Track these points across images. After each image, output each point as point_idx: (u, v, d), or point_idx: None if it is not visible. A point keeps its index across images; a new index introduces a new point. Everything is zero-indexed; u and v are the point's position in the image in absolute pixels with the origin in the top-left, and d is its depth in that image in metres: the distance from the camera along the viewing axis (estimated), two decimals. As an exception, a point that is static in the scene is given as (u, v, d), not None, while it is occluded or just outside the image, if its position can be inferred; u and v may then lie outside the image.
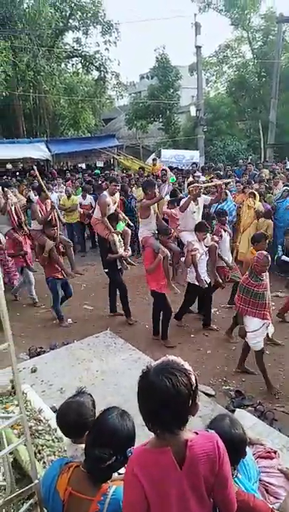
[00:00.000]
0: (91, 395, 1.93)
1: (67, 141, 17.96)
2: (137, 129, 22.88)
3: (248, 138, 20.15)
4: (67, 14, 18.85)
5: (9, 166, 15.25)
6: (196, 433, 1.38)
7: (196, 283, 5.40)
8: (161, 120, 21.43)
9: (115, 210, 5.98)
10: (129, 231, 6.19)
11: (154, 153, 18.98)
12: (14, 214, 6.52)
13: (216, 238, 5.70)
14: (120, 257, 5.83)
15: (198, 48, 16.71)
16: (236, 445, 1.73)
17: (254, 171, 11.63)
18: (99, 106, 21.58)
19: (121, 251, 5.77)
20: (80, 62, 20.82)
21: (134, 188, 10.16)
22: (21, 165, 16.42)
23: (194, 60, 18.06)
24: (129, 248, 6.07)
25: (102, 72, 20.23)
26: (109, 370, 4.32)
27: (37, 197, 10.01)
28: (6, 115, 18.74)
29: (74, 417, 1.78)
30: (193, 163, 14.45)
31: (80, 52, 20.14)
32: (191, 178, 10.78)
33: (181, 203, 5.69)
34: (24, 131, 18.43)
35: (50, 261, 5.70)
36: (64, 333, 5.69)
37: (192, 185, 5.77)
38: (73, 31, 19.72)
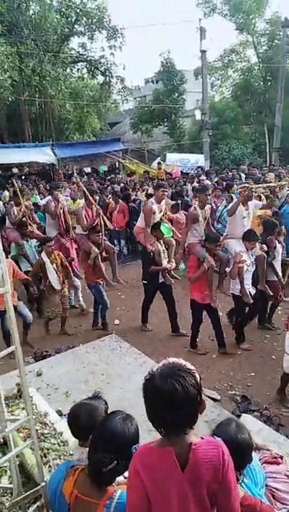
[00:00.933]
0: (105, 402, 1.91)
1: (72, 145, 18.08)
2: (142, 132, 22.98)
3: (254, 142, 20.14)
4: (73, 20, 19.05)
5: (15, 170, 15.38)
6: (202, 438, 1.37)
7: (241, 295, 4.95)
8: (166, 124, 21.50)
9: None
10: (173, 241, 5.78)
11: (159, 157, 19.05)
12: (62, 218, 6.34)
13: (265, 248, 5.14)
14: (164, 270, 5.47)
15: (203, 52, 16.77)
16: (242, 450, 1.72)
17: (258, 174, 11.60)
18: (104, 110, 21.72)
19: (165, 263, 5.43)
20: (86, 67, 21.01)
21: (138, 193, 10.20)
22: (27, 169, 16.55)
23: (199, 64, 18.12)
24: (173, 260, 5.62)
25: (108, 77, 20.38)
26: (115, 374, 4.31)
27: (47, 199, 10.12)
28: (12, 120, 18.92)
29: (85, 418, 1.77)
30: (199, 167, 14.47)
31: (85, 57, 20.32)
32: (195, 183, 10.82)
33: (229, 206, 5.21)
34: (30, 135, 18.59)
35: (93, 267, 5.54)
36: (69, 337, 5.70)
37: (241, 186, 5.28)
38: (79, 36, 19.94)
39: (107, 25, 19.05)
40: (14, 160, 14.70)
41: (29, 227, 6.27)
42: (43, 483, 1.62)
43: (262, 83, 19.72)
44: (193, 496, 1.30)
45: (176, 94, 20.42)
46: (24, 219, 6.27)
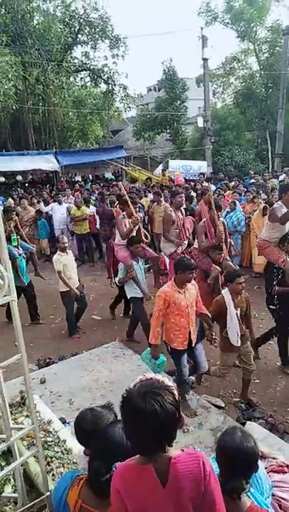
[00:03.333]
0: (115, 414, 1.84)
1: (75, 152, 18.21)
2: (145, 140, 23.11)
3: (256, 148, 20.19)
4: (76, 29, 19.29)
5: (19, 177, 15.50)
6: (182, 450, 1.35)
7: None
8: (168, 131, 21.62)
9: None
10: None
11: (161, 164, 19.13)
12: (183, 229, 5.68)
13: None
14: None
15: (205, 60, 16.92)
16: (248, 458, 1.70)
17: (261, 181, 11.63)
18: (107, 118, 21.87)
19: None
20: (89, 75, 21.22)
21: (142, 199, 10.25)
22: (30, 176, 16.68)
23: (201, 72, 18.28)
24: None
25: (110, 85, 20.56)
26: (118, 381, 4.30)
27: (50, 207, 10.22)
28: (16, 128, 19.10)
29: (89, 424, 1.76)
30: (201, 173, 14.52)
31: (88, 66, 20.53)
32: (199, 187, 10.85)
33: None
34: (33, 143, 18.74)
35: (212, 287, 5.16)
36: (73, 344, 5.69)
37: None
38: (82, 46, 20.18)
39: (110, 35, 19.27)
40: (18, 168, 14.81)
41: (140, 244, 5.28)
42: (48, 493, 1.61)
43: (263, 90, 19.82)
44: (175, 511, 1.28)
45: (179, 102, 20.56)
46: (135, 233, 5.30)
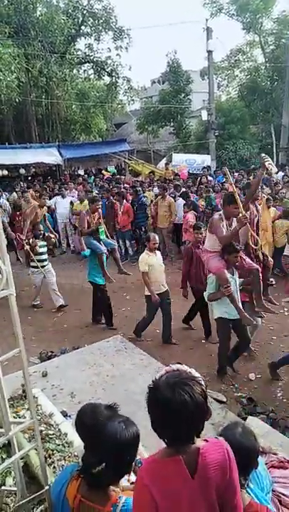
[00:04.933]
0: (118, 413, 1.74)
1: (78, 145, 18.15)
2: (148, 133, 22.96)
3: (260, 142, 20.02)
4: (80, 21, 19.08)
5: (22, 170, 15.46)
6: (206, 440, 1.36)
7: None
8: (172, 124, 21.46)
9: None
10: None
11: (164, 158, 19.01)
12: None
13: None
14: None
15: (209, 52, 16.72)
16: (247, 454, 1.69)
17: (265, 175, 11.52)
18: (110, 111, 21.73)
19: None
20: (92, 67, 21.04)
21: (146, 192, 10.24)
22: (33, 169, 16.64)
23: (205, 64, 18.05)
24: None
25: (114, 78, 20.38)
26: (120, 375, 4.30)
27: (53, 200, 10.20)
28: (19, 121, 19.02)
29: (87, 419, 1.76)
30: (204, 167, 14.38)
31: (91, 58, 20.35)
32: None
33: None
34: (36, 136, 18.66)
35: None
36: (75, 338, 5.71)
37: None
38: (85, 37, 19.96)
39: (114, 26, 19.05)
40: (21, 161, 14.78)
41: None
42: (47, 487, 1.61)
43: (269, 83, 19.58)
44: (204, 501, 1.29)
45: (183, 95, 20.37)
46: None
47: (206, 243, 4.50)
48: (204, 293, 4.59)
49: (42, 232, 6.86)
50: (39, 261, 6.61)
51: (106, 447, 1.45)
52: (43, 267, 6.62)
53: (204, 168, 14.05)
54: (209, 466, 1.29)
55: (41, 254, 6.66)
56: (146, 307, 5.43)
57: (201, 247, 5.14)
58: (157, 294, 5.18)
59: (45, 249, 6.77)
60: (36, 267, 6.61)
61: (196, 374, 1.34)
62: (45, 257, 6.74)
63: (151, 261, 5.18)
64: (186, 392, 1.23)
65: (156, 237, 5.36)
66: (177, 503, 1.28)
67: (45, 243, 6.79)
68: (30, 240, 6.70)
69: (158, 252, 5.41)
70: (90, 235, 5.70)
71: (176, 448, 1.30)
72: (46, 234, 7.02)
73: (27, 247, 6.67)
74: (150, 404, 1.31)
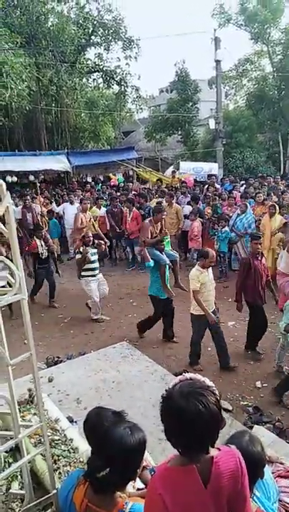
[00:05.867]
0: (124, 419, 1.83)
1: (87, 153, 18.30)
2: (156, 141, 23.11)
3: (268, 150, 20.04)
4: (90, 31, 19.39)
5: (32, 177, 15.62)
6: (218, 449, 1.36)
7: None
8: (180, 133, 21.60)
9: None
10: None
11: (172, 166, 19.08)
12: None
13: None
14: None
15: (217, 62, 16.86)
16: (254, 464, 1.69)
17: (272, 183, 11.55)
18: (119, 119, 21.94)
19: None
20: (101, 76, 21.30)
21: (153, 200, 10.28)
22: (42, 176, 16.80)
23: (213, 73, 18.19)
24: None
25: (123, 87, 20.61)
26: (125, 382, 4.31)
27: (62, 207, 10.30)
28: (28, 128, 19.27)
29: (92, 424, 1.77)
30: (211, 175, 14.37)
31: (101, 67, 20.62)
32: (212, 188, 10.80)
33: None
34: (46, 143, 18.88)
35: None
36: (81, 343, 5.72)
37: None
38: (95, 47, 20.25)
39: (123, 36, 19.31)
40: (30, 168, 14.94)
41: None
42: (55, 491, 1.62)
43: (276, 92, 19.64)
44: (215, 510, 1.29)
45: (190, 104, 20.52)
46: None
47: (281, 264, 4.29)
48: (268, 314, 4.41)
49: (91, 239, 6.44)
50: (92, 269, 6.32)
51: (111, 452, 1.44)
52: (94, 275, 6.36)
53: (210, 176, 14.01)
54: (222, 475, 1.29)
55: (93, 262, 6.33)
56: (194, 328, 4.95)
57: (259, 257, 5.11)
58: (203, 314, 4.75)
59: (96, 257, 6.45)
60: (91, 276, 6.31)
61: (210, 383, 1.34)
62: (97, 265, 6.45)
63: (204, 279, 4.73)
64: (200, 402, 1.22)
65: (214, 255, 4.89)
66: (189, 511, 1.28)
67: (95, 250, 6.43)
68: (81, 249, 6.32)
69: (210, 270, 4.89)
70: (154, 245, 5.47)
71: (190, 457, 1.29)
72: (96, 241, 6.61)
73: (78, 256, 6.33)
74: (164, 413, 1.31)
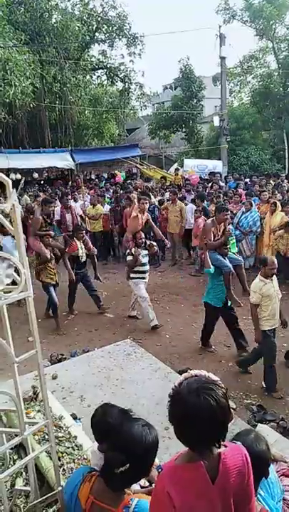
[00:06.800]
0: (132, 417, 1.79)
1: (91, 150, 18.30)
2: (160, 138, 23.07)
3: (272, 148, 19.93)
4: (94, 28, 19.35)
5: (35, 175, 15.65)
6: (225, 445, 1.36)
7: None
8: (184, 130, 21.53)
9: None
10: None
11: (176, 163, 19.03)
12: None
13: None
14: None
15: (222, 58, 16.77)
16: (259, 462, 1.68)
17: (272, 181, 11.50)
18: (123, 116, 21.92)
19: None
20: (105, 73, 21.27)
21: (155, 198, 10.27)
22: (46, 174, 16.82)
23: (218, 70, 18.09)
24: None
25: (127, 84, 20.58)
26: (129, 380, 4.31)
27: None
28: (33, 126, 19.30)
29: (99, 419, 1.79)
30: (215, 172, 14.33)
31: (105, 64, 20.58)
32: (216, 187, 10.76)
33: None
34: (50, 141, 18.89)
35: None
36: (85, 341, 5.73)
37: None
38: (99, 44, 20.22)
39: (128, 33, 19.26)
40: (34, 165, 14.97)
41: None
42: (60, 488, 1.62)
43: (281, 89, 19.51)
44: (222, 507, 1.29)
45: (195, 101, 20.45)
46: None
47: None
48: None
49: (143, 240, 6.06)
50: (142, 272, 6.03)
51: (133, 449, 1.45)
52: (144, 278, 6.07)
53: (212, 173, 13.95)
54: (230, 471, 1.29)
55: (144, 265, 6.01)
56: (263, 347, 4.36)
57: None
58: (270, 330, 4.27)
59: (147, 259, 6.13)
60: (141, 278, 6.03)
61: (215, 377, 1.34)
62: (147, 267, 6.16)
63: (268, 291, 4.15)
64: (211, 397, 1.23)
65: (275, 261, 4.23)
66: (196, 508, 1.28)
67: (147, 252, 6.09)
68: (133, 250, 5.97)
69: (274, 278, 4.29)
70: (216, 248, 4.98)
71: (199, 453, 1.29)
72: (149, 242, 6.21)
73: (129, 257, 6.00)
74: (174, 411, 1.30)
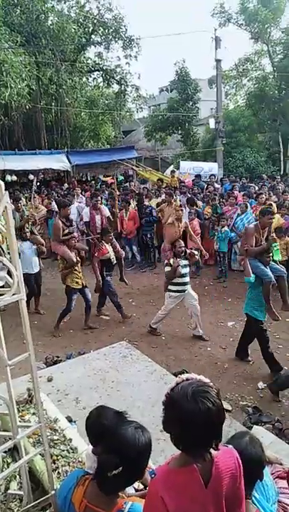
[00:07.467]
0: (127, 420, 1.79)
1: (87, 152, 18.27)
2: (156, 140, 23.12)
3: (268, 150, 20.04)
4: (90, 30, 19.38)
5: (31, 176, 15.59)
6: (218, 449, 1.35)
7: None
8: (180, 132, 21.60)
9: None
10: None
11: (172, 165, 19.06)
12: None
13: None
14: None
15: (218, 61, 16.85)
16: (254, 465, 1.68)
17: (266, 183, 11.54)
18: (119, 118, 21.93)
19: None
20: (101, 76, 21.30)
21: (152, 200, 10.26)
22: (42, 175, 16.78)
23: (214, 73, 18.19)
24: None
25: (123, 86, 20.61)
26: (125, 382, 4.30)
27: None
28: (28, 127, 19.26)
29: (93, 421, 1.78)
30: (211, 174, 14.38)
31: (101, 66, 20.61)
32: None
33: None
34: (46, 142, 18.86)
35: None
36: (80, 343, 5.72)
37: None
38: (95, 46, 20.25)
39: (124, 36, 19.30)
40: (30, 167, 14.92)
41: None
42: (53, 492, 1.61)
43: (277, 92, 19.63)
44: (214, 510, 1.29)
45: (191, 103, 20.53)
46: None
47: None
48: None
49: (183, 249, 5.61)
50: (182, 284, 5.58)
51: (126, 451, 1.45)
52: (183, 291, 5.61)
53: (211, 175, 14.02)
54: (222, 475, 1.29)
55: (183, 276, 5.54)
56: None
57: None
58: None
59: (187, 270, 5.65)
60: (179, 291, 5.61)
61: (206, 380, 1.33)
62: (187, 279, 5.64)
63: None
64: (207, 400, 1.22)
65: None
66: None
67: (186, 262, 5.63)
68: (171, 260, 5.56)
69: None
70: (258, 256, 4.59)
71: (194, 456, 1.28)
72: (189, 251, 5.81)
73: (168, 268, 5.59)
74: (170, 417, 1.29)
